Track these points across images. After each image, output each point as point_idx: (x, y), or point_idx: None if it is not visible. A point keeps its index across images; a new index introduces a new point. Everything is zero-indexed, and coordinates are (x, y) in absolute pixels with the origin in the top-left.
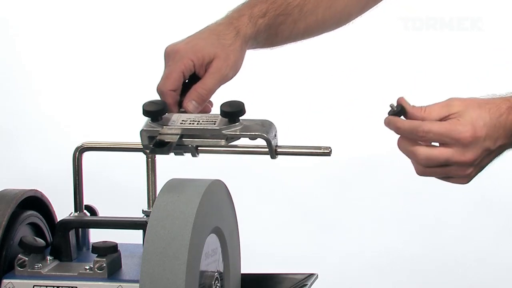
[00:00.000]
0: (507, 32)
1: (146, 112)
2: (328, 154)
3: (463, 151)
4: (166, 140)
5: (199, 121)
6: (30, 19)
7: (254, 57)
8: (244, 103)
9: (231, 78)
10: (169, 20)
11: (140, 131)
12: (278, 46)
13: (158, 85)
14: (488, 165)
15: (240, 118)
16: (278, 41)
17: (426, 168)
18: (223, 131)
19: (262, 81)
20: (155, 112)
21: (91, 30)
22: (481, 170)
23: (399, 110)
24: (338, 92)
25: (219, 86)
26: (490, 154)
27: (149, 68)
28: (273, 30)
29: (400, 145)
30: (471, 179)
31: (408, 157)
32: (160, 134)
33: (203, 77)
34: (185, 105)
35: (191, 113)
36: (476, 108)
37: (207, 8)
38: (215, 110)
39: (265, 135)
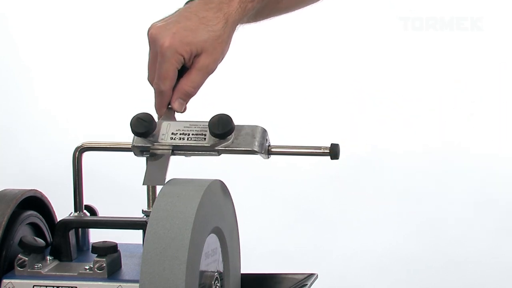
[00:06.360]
0: (507, 32)
1: (135, 133)
2: (328, 154)
3: None
4: (158, 153)
5: (188, 135)
6: (30, 18)
7: (253, 57)
8: (231, 117)
9: (216, 69)
10: None
11: (132, 147)
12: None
13: (158, 85)
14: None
15: None
16: (258, 19)
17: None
18: (214, 147)
19: (261, 81)
20: (144, 133)
21: (92, 29)
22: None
23: None
24: (337, 91)
25: (205, 80)
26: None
27: None
28: (258, 11)
29: None
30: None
31: None
32: (151, 149)
33: (189, 73)
34: (172, 104)
35: (178, 111)
36: None
37: None
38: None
39: (256, 150)
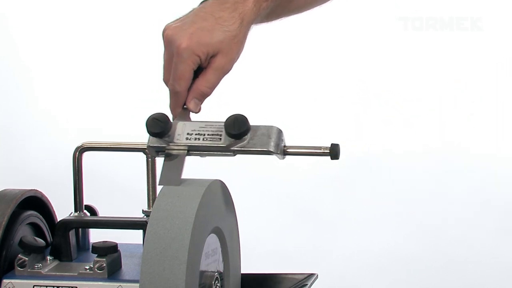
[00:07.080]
0: (507, 32)
1: (151, 133)
2: (328, 154)
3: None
4: (174, 154)
5: (204, 135)
6: (30, 18)
7: (253, 58)
8: (247, 117)
9: (231, 69)
10: (170, 19)
11: (147, 147)
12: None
13: (173, 86)
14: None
15: None
16: (270, 19)
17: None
18: (230, 148)
19: (261, 81)
20: (160, 133)
21: (92, 28)
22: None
23: None
24: (337, 91)
25: (221, 80)
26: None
27: (150, 68)
28: (271, 10)
29: None
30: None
31: None
32: (167, 149)
33: (205, 73)
34: (188, 104)
35: (193, 111)
36: None
37: None
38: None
39: (272, 150)
